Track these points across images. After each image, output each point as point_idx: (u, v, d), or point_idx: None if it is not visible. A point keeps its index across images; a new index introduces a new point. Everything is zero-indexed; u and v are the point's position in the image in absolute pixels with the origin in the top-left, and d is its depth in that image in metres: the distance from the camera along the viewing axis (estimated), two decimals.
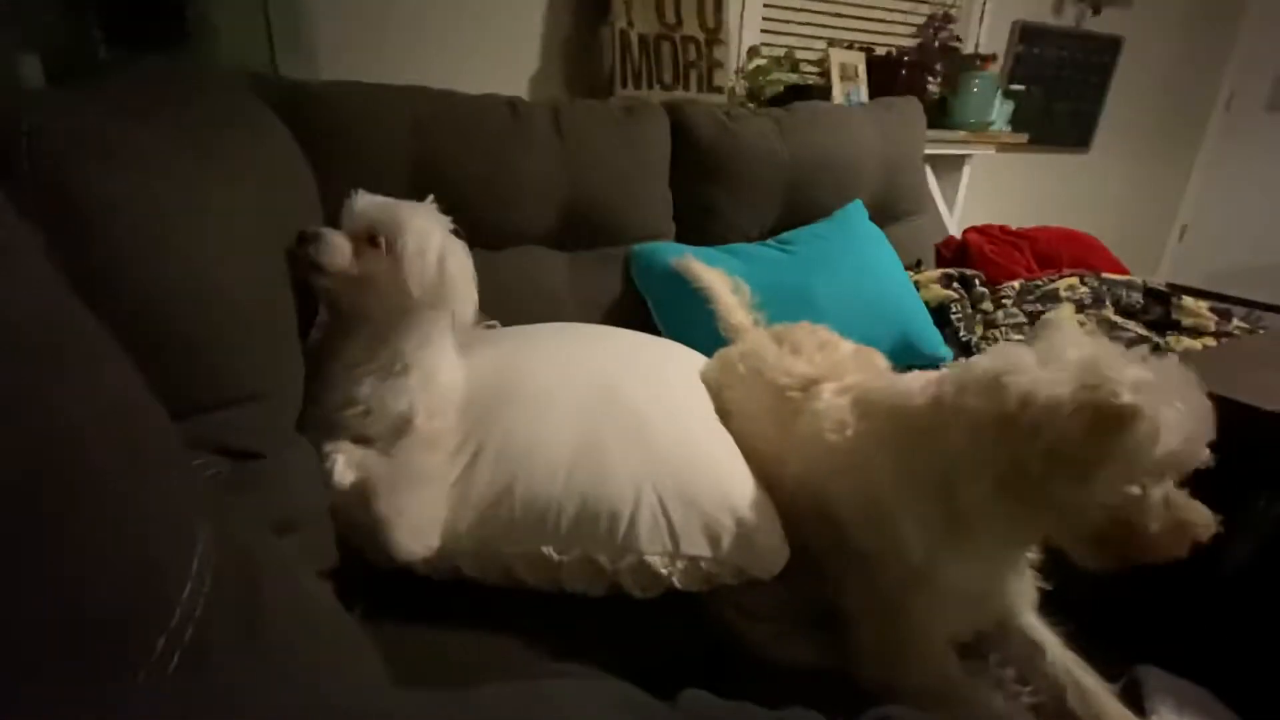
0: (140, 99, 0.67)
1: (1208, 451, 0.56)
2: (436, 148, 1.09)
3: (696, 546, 0.70)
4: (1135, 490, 0.55)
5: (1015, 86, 2.39)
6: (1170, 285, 1.45)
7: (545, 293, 1.18)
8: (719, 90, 1.71)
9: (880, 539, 0.65)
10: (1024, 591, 0.69)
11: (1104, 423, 0.52)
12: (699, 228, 1.35)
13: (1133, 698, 0.64)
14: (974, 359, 0.66)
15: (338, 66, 1.33)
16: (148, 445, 0.33)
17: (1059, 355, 0.58)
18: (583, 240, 1.25)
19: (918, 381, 0.70)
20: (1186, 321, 1.32)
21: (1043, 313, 1.33)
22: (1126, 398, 0.52)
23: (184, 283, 0.55)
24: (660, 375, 0.89)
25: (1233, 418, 0.78)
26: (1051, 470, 0.54)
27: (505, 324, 1.06)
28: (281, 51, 1.38)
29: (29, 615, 0.23)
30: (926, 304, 1.37)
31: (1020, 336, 1.30)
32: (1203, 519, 0.56)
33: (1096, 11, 2.54)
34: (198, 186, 0.61)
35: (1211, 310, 1.35)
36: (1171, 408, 0.53)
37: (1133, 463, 0.54)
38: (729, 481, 0.75)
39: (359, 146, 1.05)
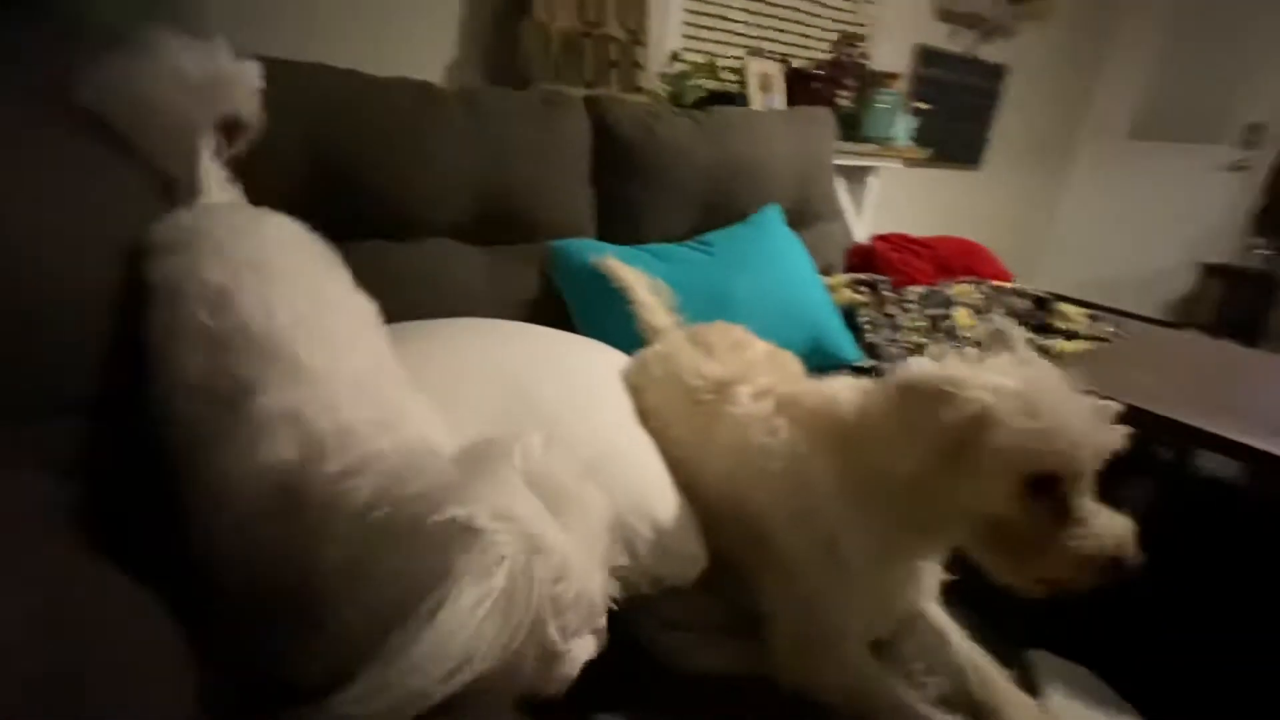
0: None
1: (1088, 458, 0.54)
2: (339, 131, 1.01)
3: (611, 555, 0.67)
4: (1009, 496, 0.55)
5: (917, 104, 2.55)
6: (1049, 293, 1.57)
7: (457, 288, 1.12)
8: (641, 91, 1.71)
9: (809, 544, 0.65)
10: (931, 583, 0.71)
11: (963, 424, 0.55)
12: (620, 226, 1.33)
13: (1026, 680, 0.68)
14: (896, 366, 0.67)
15: (231, 38, 1.21)
16: None
17: (970, 365, 0.60)
18: (499, 234, 1.19)
19: (843, 387, 0.71)
20: (1064, 326, 1.44)
21: (943, 316, 1.40)
22: (983, 399, 0.55)
23: None
24: (576, 376, 0.86)
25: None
26: (939, 474, 0.57)
27: (411, 320, 0.99)
28: (162, 18, 1.24)
29: None
30: (837, 307, 1.41)
31: (922, 339, 1.37)
32: (1109, 536, 0.54)
33: (986, 40, 2.75)
34: (24, 160, 0.53)
35: (1085, 315, 1.48)
36: (1033, 415, 0.54)
37: (1000, 465, 0.55)
38: (646, 487, 0.73)
39: None
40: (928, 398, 0.57)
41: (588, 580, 0.44)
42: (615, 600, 0.58)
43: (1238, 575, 0.91)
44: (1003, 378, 0.56)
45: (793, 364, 0.92)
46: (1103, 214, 3.52)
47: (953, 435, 0.55)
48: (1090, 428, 0.54)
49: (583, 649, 0.47)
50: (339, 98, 1.02)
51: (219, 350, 0.52)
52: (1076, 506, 0.54)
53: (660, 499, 0.72)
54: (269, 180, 0.98)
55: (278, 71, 0.99)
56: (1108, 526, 0.54)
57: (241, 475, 0.47)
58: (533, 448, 0.47)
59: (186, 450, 0.51)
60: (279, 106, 0.97)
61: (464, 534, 0.40)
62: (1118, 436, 0.55)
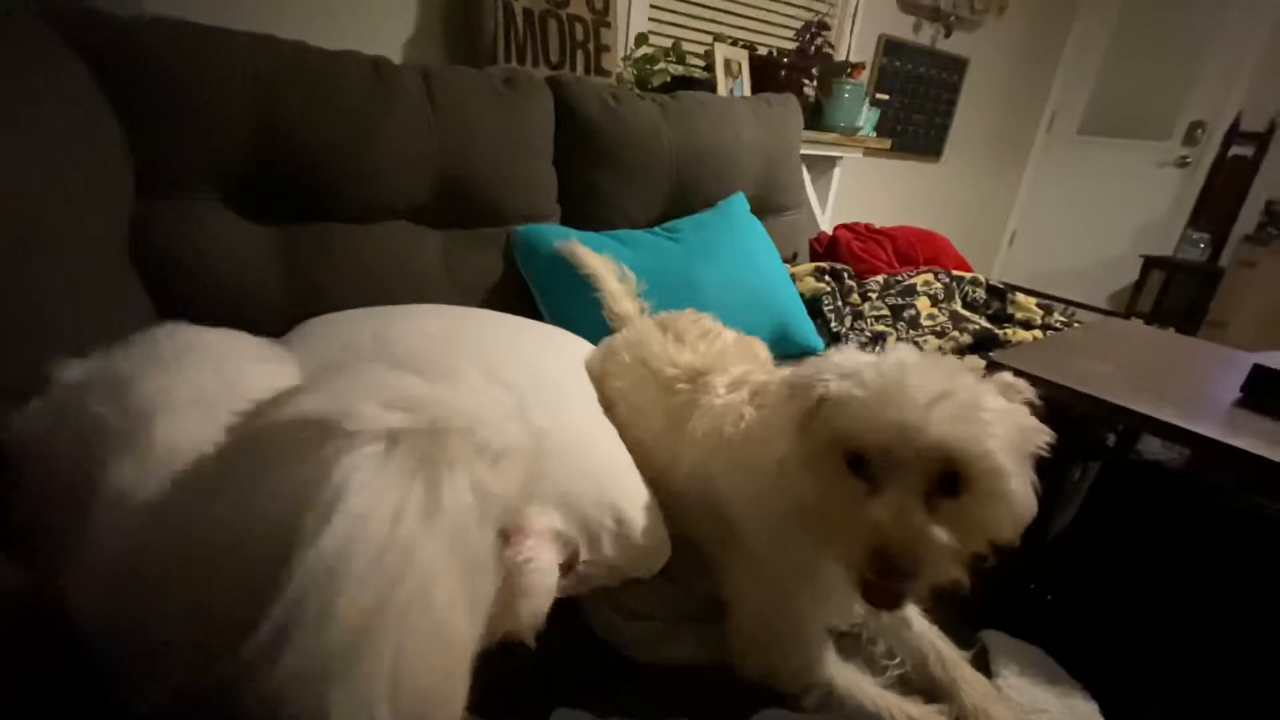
0: None
1: (904, 446, 0.51)
2: (284, 106, 0.95)
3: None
4: (831, 471, 0.55)
5: (881, 95, 2.58)
6: (1005, 284, 1.61)
7: (415, 273, 1.09)
8: (606, 74, 1.68)
9: (769, 531, 0.65)
10: None
11: (811, 407, 0.56)
12: (584, 211, 1.30)
13: (982, 661, 0.69)
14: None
15: (172, 6, 1.13)
16: None
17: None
18: (459, 218, 1.16)
19: None
20: (1019, 315, 1.48)
21: (905, 305, 1.43)
22: (828, 382, 0.56)
23: None
24: (538, 363, 0.84)
25: (1057, 399, 0.88)
26: (797, 459, 0.58)
27: (366, 306, 0.96)
28: None
29: None
30: (801, 295, 1.42)
31: (884, 327, 1.39)
32: (878, 526, 0.50)
33: (948, 34, 2.79)
34: None
35: (1038, 305, 1.52)
36: (861, 395, 0.53)
37: (825, 439, 0.55)
38: (609, 477, 0.72)
39: (186, 98, 0.89)
40: (793, 386, 0.59)
41: (511, 437, 0.37)
42: (577, 592, 0.57)
43: (1181, 556, 0.96)
44: (856, 362, 0.56)
45: (762, 351, 0.93)
46: (1054, 207, 3.63)
47: (803, 420, 0.57)
48: (918, 418, 0.50)
49: (547, 559, 0.42)
50: (286, 71, 0.96)
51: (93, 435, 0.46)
52: (880, 493, 0.52)
53: (623, 489, 0.71)
54: (212, 158, 0.93)
55: (219, 41, 0.94)
56: (880, 515, 0.50)
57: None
58: (401, 338, 0.42)
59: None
60: (222, 79, 0.92)
61: (331, 433, 0.32)
62: (951, 433, 0.50)
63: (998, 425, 0.52)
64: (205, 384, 0.52)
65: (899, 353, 0.57)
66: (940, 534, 0.50)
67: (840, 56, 2.42)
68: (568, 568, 0.46)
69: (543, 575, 0.42)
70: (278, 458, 0.33)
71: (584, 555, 0.66)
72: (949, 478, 0.52)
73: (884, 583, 0.52)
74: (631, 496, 0.71)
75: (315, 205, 1.01)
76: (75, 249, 0.65)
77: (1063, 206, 3.59)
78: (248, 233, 0.98)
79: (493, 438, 0.36)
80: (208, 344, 0.58)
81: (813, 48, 2.10)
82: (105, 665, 0.37)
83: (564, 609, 0.68)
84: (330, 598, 0.29)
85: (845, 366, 0.57)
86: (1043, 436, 0.56)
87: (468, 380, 0.39)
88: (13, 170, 0.57)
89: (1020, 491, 0.52)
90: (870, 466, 0.53)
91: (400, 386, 0.35)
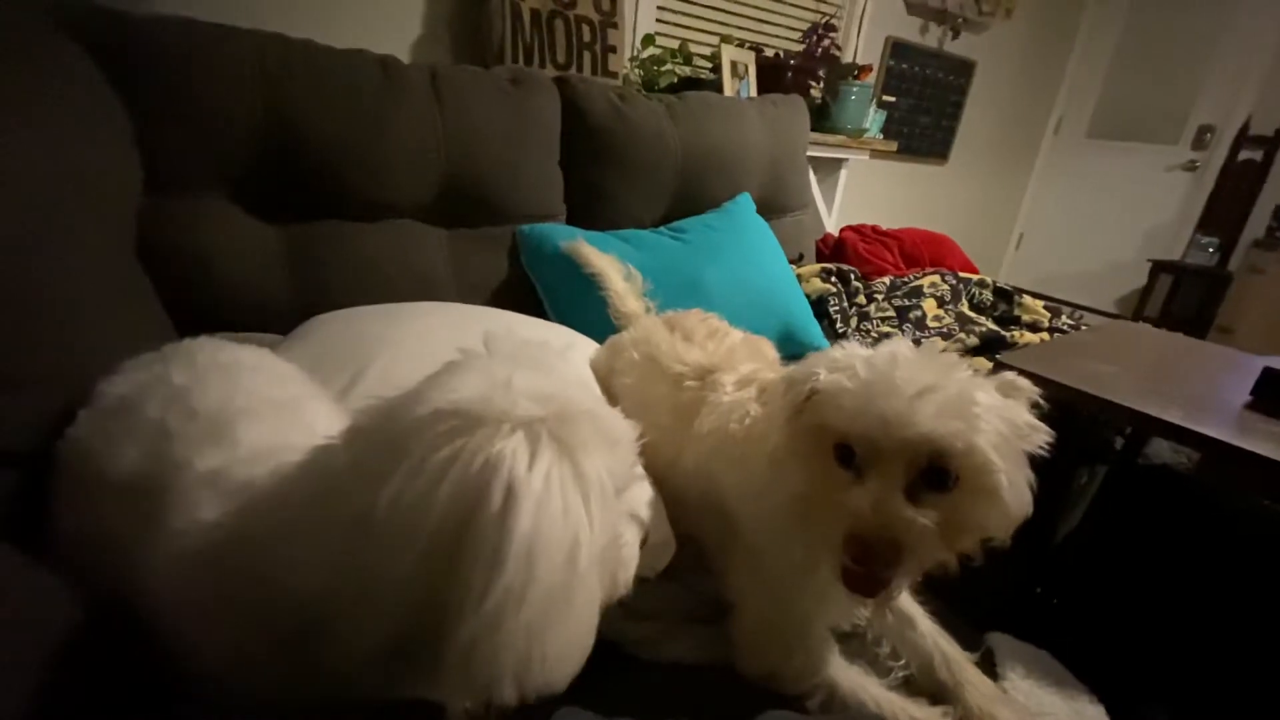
0: None
1: (887, 437, 0.51)
2: (292, 104, 0.96)
3: None
4: (819, 461, 0.55)
5: (887, 98, 2.57)
6: (1012, 286, 1.61)
7: (421, 272, 1.09)
8: (613, 75, 1.68)
9: (772, 531, 0.65)
10: None
11: (801, 400, 0.57)
12: (590, 211, 1.31)
13: (988, 663, 0.69)
14: None
15: (178, 2, 1.14)
16: None
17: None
18: (465, 217, 1.16)
19: None
20: (1026, 318, 1.47)
21: (911, 307, 1.42)
22: (818, 374, 0.56)
23: None
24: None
25: (1064, 401, 0.87)
26: (788, 454, 0.59)
27: (371, 304, 0.96)
28: None
29: None
30: (807, 296, 1.42)
31: (890, 329, 1.38)
32: (854, 511, 0.50)
33: (955, 36, 2.79)
34: None
35: (1045, 308, 1.52)
36: (850, 385, 0.53)
37: (813, 428, 0.56)
38: None
39: (192, 91, 0.90)
40: (789, 380, 0.60)
41: (621, 424, 0.42)
42: None
43: (1188, 560, 0.95)
44: (850, 355, 0.56)
45: (769, 350, 0.92)
46: (1061, 210, 3.62)
47: (794, 412, 0.58)
48: (903, 408, 0.50)
49: (632, 535, 0.45)
50: (294, 69, 0.97)
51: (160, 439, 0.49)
52: (863, 483, 0.52)
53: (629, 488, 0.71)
54: (220, 154, 0.94)
55: (228, 39, 0.94)
56: (859, 502, 0.51)
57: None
58: (496, 337, 0.45)
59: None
60: (230, 76, 0.93)
61: (480, 421, 0.35)
62: (936, 426, 0.49)
63: (988, 421, 0.50)
64: (260, 392, 0.54)
65: (893, 345, 0.57)
66: (919, 521, 0.50)
67: (847, 58, 2.42)
68: (643, 544, 0.49)
69: (632, 549, 0.45)
70: (430, 444, 0.35)
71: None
72: (938, 472, 0.51)
73: (862, 569, 0.51)
74: (636, 494, 0.70)
75: (322, 203, 1.02)
76: (85, 242, 0.65)
77: (1070, 210, 3.58)
78: (254, 230, 0.98)
79: (611, 424, 0.40)
80: (240, 361, 0.60)
81: (819, 49, 2.10)
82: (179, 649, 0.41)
83: None
84: (532, 569, 0.32)
85: (838, 359, 0.57)
86: (1041, 436, 0.54)
87: (558, 373, 0.42)
88: (24, 163, 0.58)
89: (1011, 490, 0.51)
90: (856, 458, 0.53)
91: (528, 379, 0.38)
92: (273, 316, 0.95)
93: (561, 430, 0.36)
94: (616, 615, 0.70)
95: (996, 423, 0.51)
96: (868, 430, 0.51)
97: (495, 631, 0.32)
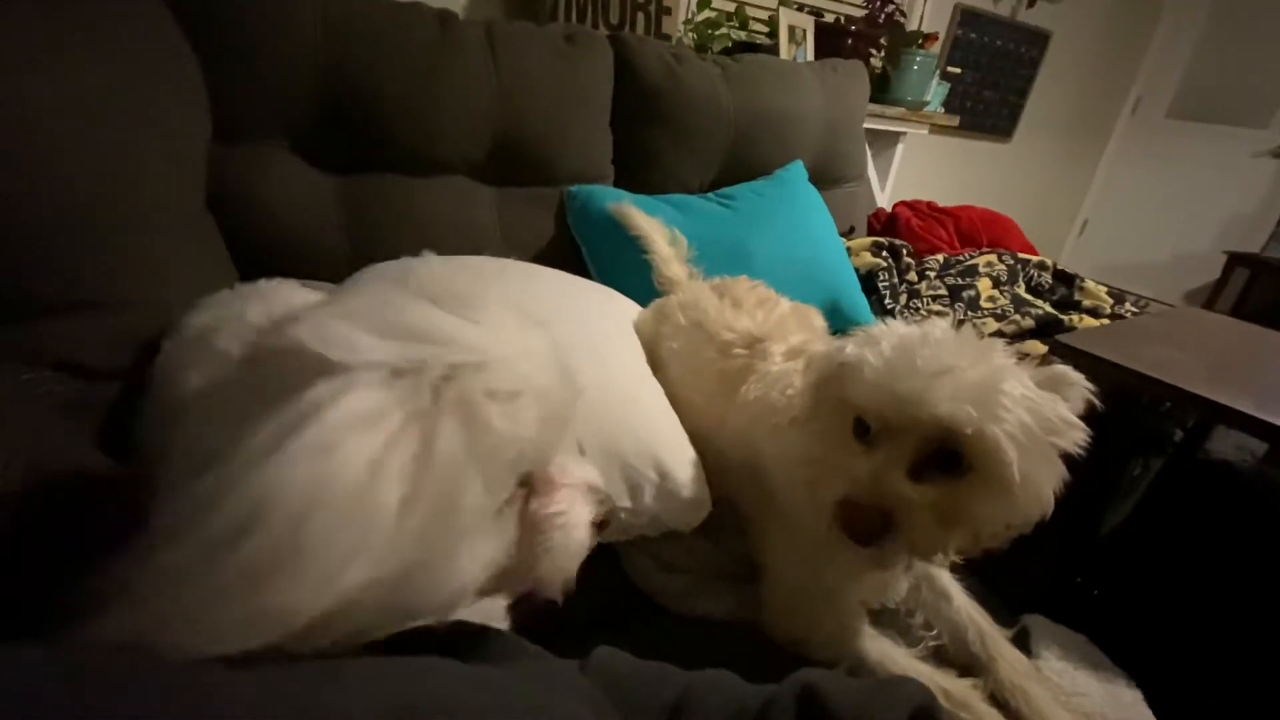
0: None
1: (899, 415, 0.51)
2: (350, 55, 0.97)
3: (616, 497, 0.67)
4: (837, 431, 0.57)
5: (952, 69, 2.45)
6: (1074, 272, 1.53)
7: (469, 228, 1.10)
8: (666, 38, 1.64)
9: (803, 503, 0.65)
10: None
11: (829, 376, 0.59)
12: (639, 174, 1.29)
13: (1022, 643, 0.68)
14: None
15: None
16: None
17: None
18: (514, 176, 1.16)
19: None
20: (1087, 303, 1.40)
21: (965, 286, 1.37)
22: (846, 350, 0.57)
23: (14, 159, 0.46)
24: (590, 320, 0.85)
25: (1124, 386, 0.84)
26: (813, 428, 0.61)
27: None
28: None
29: None
30: (856, 270, 1.38)
31: (940, 307, 1.34)
32: (848, 479, 0.52)
33: (1031, 4, 2.63)
34: (43, 54, 0.51)
35: (1108, 294, 1.45)
36: (873, 361, 0.53)
37: (834, 400, 0.57)
38: (654, 432, 0.73)
39: (257, 42, 0.92)
40: (817, 359, 0.61)
41: (526, 377, 0.34)
42: (618, 539, 0.57)
43: (1240, 559, 0.91)
44: (884, 332, 0.56)
45: (818, 321, 0.91)
46: (1132, 195, 3.41)
47: (821, 383, 0.60)
48: (918, 388, 0.50)
49: (579, 514, 0.39)
50: (354, 21, 0.98)
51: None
52: (869, 455, 0.53)
53: (668, 445, 0.72)
54: (283, 105, 0.96)
55: None
56: (858, 470, 0.52)
57: None
58: (430, 264, 0.40)
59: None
60: (293, 28, 0.94)
61: (321, 366, 0.29)
62: (950, 410, 0.48)
63: (1011, 410, 0.48)
64: None
65: (928, 326, 0.56)
66: (911, 497, 0.50)
67: (912, 25, 2.31)
68: (603, 525, 0.42)
69: (571, 530, 0.38)
70: (263, 393, 0.29)
71: (626, 504, 0.67)
72: (950, 456, 0.51)
73: (855, 523, 0.52)
74: (675, 451, 0.71)
75: (377, 156, 1.04)
76: (163, 182, 0.68)
77: (1142, 195, 3.37)
78: (313, 180, 1.00)
79: (504, 376, 0.33)
80: (309, 303, 0.61)
81: (883, 15, 2.01)
82: None
83: (604, 557, 0.70)
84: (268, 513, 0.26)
85: (873, 335, 0.57)
86: (1077, 433, 0.51)
87: (488, 312, 0.35)
88: (110, 102, 0.60)
89: (1025, 486, 0.49)
90: (871, 432, 0.54)
91: (402, 312, 0.32)
92: (328, 266, 0.98)
93: (425, 382, 0.30)
94: (650, 568, 0.72)
95: (1020, 413, 0.49)
96: (881, 405, 0.52)
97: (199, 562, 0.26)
